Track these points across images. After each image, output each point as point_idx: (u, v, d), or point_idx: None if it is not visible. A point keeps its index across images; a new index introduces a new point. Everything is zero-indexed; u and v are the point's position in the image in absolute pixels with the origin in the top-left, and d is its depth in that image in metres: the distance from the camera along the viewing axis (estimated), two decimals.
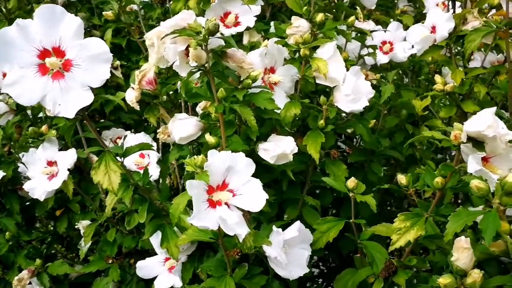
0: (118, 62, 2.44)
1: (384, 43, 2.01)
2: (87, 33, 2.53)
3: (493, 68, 1.66)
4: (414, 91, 1.95)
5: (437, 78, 1.64)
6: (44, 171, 1.66)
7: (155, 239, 1.43)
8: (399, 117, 1.90)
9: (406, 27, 2.01)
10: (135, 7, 2.73)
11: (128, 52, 2.63)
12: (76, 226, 1.90)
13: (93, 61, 1.10)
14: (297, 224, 1.38)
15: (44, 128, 1.68)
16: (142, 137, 1.71)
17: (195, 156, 1.07)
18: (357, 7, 1.92)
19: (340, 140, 2.07)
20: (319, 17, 1.61)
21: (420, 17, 2.28)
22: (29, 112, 2.01)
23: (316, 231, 1.38)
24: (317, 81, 1.50)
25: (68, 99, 1.10)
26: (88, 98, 1.10)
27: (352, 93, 1.45)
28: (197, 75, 1.39)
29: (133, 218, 1.60)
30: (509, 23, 1.49)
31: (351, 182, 1.35)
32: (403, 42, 1.96)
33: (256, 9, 1.63)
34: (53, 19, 1.09)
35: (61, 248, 2.28)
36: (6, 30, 1.08)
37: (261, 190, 1.13)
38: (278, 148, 1.38)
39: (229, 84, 1.36)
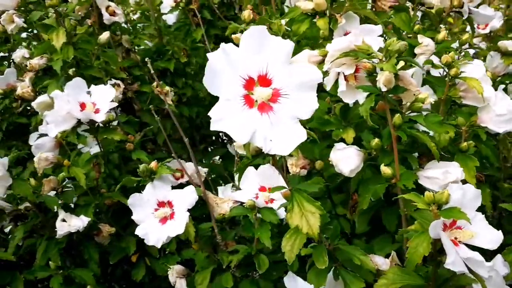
0: (167, 88, 2.28)
1: None
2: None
3: None
4: None
5: None
6: (156, 214, 1.47)
7: None
8: None
9: None
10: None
11: (174, 77, 2.47)
12: (167, 271, 1.71)
13: (302, 90, 0.97)
14: None
15: (153, 164, 1.50)
16: (268, 169, 1.55)
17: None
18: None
19: None
20: (441, 35, 1.56)
21: None
22: None
23: None
24: (464, 102, 1.43)
25: (280, 134, 0.95)
26: (302, 133, 0.96)
27: (507, 112, 1.38)
28: None
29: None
30: None
31: None
32: None
33: (379, 28, 1.53)
34: (260, 43, 0.96)
35: None
36: (213, 56, 0.93)
37: None
38: (450, 176, 1.28)
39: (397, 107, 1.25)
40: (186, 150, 2.46)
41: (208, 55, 0.93)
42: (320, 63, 1.32)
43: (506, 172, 1.79)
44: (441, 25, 1.70)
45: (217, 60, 0.94)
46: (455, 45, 1.70)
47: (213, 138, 2.88)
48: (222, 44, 0.94)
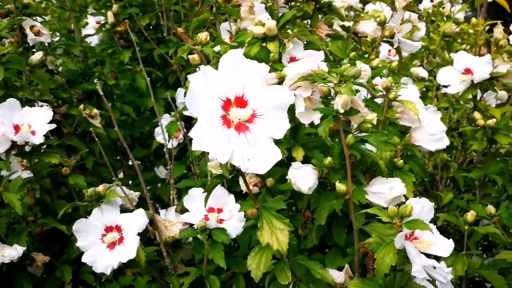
0: (96, 111, 2.22)
1: None
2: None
3: None
4: None
5: (477, 115, 1.80)
6: (104, 239, 1.42)
7: None
8: None
9: None
10: None
11: (101, 100, 2.39)
12: None
13: (276, 111, 1.01)
14: None
15: (101, 188, 1.45)
16: (218, 190, 1.55)
17: None
18: None
19: None
20: (376, 62, 1.69)
21: None
22: None
23: None
24: (400, 122, 1.55)
25: (258, 153, 0.99)
26: (277, 152, 1.00)
27: (438, 132, 1.52)
28: None
29: None
30: None
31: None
32: None
33: (321, 54, 1.63)
34: (237, 66, 0.99)
35: None
36: (193, 78, 0.95)
37: None
38: (394, 191, 1.38)
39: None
40: (113, 174, 2.41)
41: (189, 77, 0.94)
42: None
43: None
44: (377, 50, 1.83)
45: (197, 82, 0.95)
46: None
47: (139, 162, 2.81)
48: (202, 67, 0.96)
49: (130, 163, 2.56)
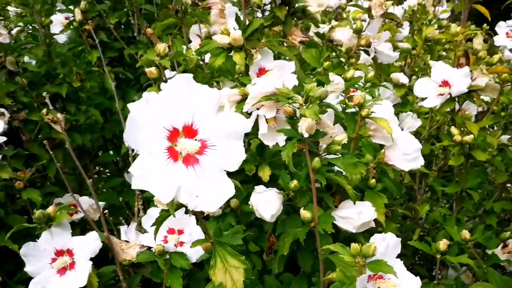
0: (59, 115, 2.10)
1: None
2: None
3: (494, 120, 1.81)
4: None
5: (454, 130, 1.72)
6: (54, 264, 1.32)
7: None
8: None
9: None
10: None
11: (66, 103, 2.28)
12: None
13: (229, 140, 0.91)
14: None
15: (51, 209, 1.34)
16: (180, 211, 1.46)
17: None
18: None
19: None
20: (350, 74, 1.60)
21: None
22: None
23: None
24: (373, 140, 1.47)
25: (207, 189, 0.89)
26: (230, 187, 0.90)
27: (413, 151, 1.44)
28: None
29: None
30: None
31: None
32: None
33: (292, 64, 1.53)
34: (186, 92, 0.89)
35: None
36: (134, 107, 0.85)
37: None
38: (363, 216, 1.30)
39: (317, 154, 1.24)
40: (79, 182, 2.30)
41: (129, 105, 0.84)
42: (239, 102, 1.28)
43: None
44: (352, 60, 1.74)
45: (138, 111, 0.85)
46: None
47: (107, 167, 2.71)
48: (145, 94, 0.86)
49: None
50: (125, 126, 0.84)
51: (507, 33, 2.64)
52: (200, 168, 0.89)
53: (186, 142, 0.88)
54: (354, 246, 0.99)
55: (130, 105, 0.84)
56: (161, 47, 1.32)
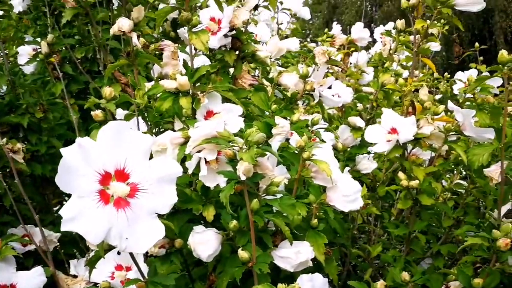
0: (19, 145, 2.13)
1: None
2: None
3: (441, 166, 1.90)
4: None
5: (401, 175, 1.81)
6: None
7: None
8: None
9: None
10: None
11: (28, 133, 2.30)
12: None
13: (161, 184, 0.97)
14: None
15: None
16: None
17: None
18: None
19: None
20: (296, 117, 1.67)
21: None
22: None
23: None
24: (315, 181, 1.53)
25: (137, 231, 0.94)
26: (160, 229, 0.95)
27: (352, 193, 1.51)
28: None
29: None
30: None
31: None
32: None
33: (239, 108, 1.60)
34: (118, 138, 0.94)
35: None
36: (67, 152, 0.89)
37: None
38: (301, 256, 1.35)
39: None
40: (37, 211, 2.31)
41: (61, 150, 0.89)
42: (183, 145, 1.33)
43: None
44: (299, 103, 1.81)
45: (71, 155, 0.90)
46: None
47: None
48: (78, 139, 0.91)
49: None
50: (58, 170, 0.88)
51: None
52: (131, 211, 0.94)
53: (117, 186, 0.93)
54: (281, 286, 1.04)
55: (62, 150, 0.89)
56: (107, 91, 1.37)
